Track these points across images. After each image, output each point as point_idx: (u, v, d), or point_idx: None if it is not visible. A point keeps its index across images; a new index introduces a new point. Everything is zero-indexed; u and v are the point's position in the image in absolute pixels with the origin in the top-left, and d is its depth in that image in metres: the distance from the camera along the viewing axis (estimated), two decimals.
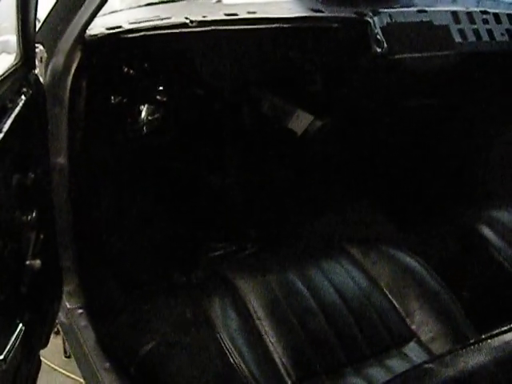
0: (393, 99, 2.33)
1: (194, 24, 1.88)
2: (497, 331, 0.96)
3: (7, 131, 1.32)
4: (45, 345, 1.82)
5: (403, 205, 2.30)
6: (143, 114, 2.21)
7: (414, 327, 1.78)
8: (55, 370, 2.50)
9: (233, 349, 1.60)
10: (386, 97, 2.29)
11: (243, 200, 2.32)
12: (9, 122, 1.35)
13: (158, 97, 2.17)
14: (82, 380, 2.54)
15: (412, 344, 1.75)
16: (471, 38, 2.31)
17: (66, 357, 2.53)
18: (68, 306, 1.98)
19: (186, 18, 1.88)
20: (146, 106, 2.20)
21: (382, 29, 2.10)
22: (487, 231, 2.12)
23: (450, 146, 2.56)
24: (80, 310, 1.96)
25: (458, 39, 2.28)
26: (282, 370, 1.59)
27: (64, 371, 2.52)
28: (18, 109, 1.41)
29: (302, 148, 2.22)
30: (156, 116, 2.22)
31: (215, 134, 2.24)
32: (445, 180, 2.43)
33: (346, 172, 2.33)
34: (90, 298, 1.98)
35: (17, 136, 1.40)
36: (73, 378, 2.49)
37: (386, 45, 2.09)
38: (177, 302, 1.79)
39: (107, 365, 1.80)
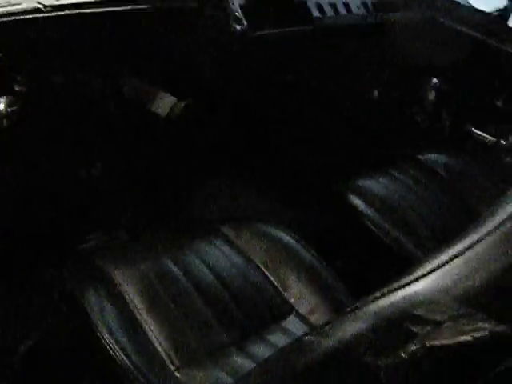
0: (256, 76, 2.33)
1: (48, 9, 1.80)
2: (371, 297, 0.97)
3: None
4: None
5: (275, 181, 2.31)
6: (1, 106, 2.11)
7: (292, 301, 1.79)
8: None
9: (113, 343, 1.54)
10: (248, 74, 2.29)
11: (112, 189, 2.26)
12: None
13: (17, 87, 2.07)
14: None
15: (291, 317, 1.76)
16: (329, 12, 2.35)
17: None
18: None
19: (39, 3, 1.80)
20: (4, 97, 2.09)
21: (240, 6, 2.10)
22: (356, 200, 2.18)
23: (314, 120, 2.60)
24: None
25: (316, 14, 2.31)
26: (165, 358, 1.56)
27: None
28: None
29: (167, 131, 2.19)
30: (15, 108, 2.12)
31: (79, 123, 2.17)
32: (313, 153, 2.47)
33: (217, 151, 2.32)
34: None
35: None
36: None
37: (245, 22, 2.09)
38: (51, 295, 1.72)
39: None
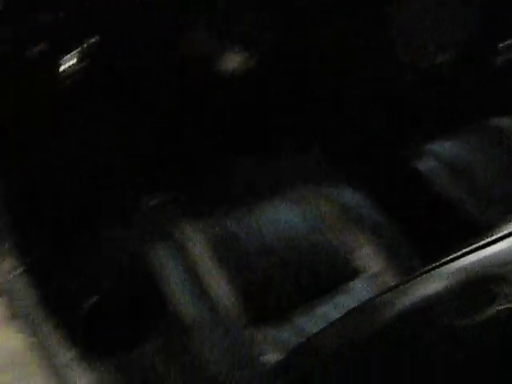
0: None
1: None
2: (446, 259, 0.95)
3: None
4: None
5: (340, 142, 2.28)
6: (69, 62, 2.10)
7: (359, 263, 1.78)
8: None
9: (181, 300, 1.57)
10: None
11: (176, 148, 2.26)
12: None
13: (86, 45, 2.06)
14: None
15: (359, 280, 1.75)
16: None
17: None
18: (5, 267, 1.92)
19: None
20: (73, 53, 2.08)
21: None
22: (424, 163, 2.14)
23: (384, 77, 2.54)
24: (18, 270, 1.90)
25: None
26: (233, 315, 1.58)
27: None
28: None
29: (232, 89, 2.17)
30: (83, 65, 2.12)
31: (146, 85, 2.16)
32: (380, 113, 2.42)
33: (282, 113, 2.29)
34: (28, 257, 1.92)
35: None
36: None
37: None
38: (116, 253, 1.75)
39: (51, 324, 1.75)
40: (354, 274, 1.76)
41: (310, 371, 1.05)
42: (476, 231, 1.01)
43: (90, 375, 1.65)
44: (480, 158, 2.23)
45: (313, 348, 1.11)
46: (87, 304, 1.68)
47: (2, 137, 1.86)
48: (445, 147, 2.22)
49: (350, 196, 1.91)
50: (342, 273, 1.75)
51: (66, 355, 1.69)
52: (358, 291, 1.71)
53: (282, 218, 1.83)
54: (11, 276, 1.89)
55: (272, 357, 1.54)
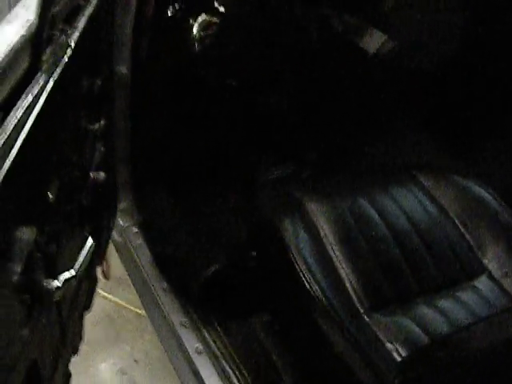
0: None
1: None
2: None
3: (81, 30, 1.23)
4: (100, 262, 1.77)
5: (472, 134, 2.18)
6: (196, 29, 2.07)
7: (485, 261, 1.70)
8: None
9: (307, 272, 1.53)
10: None
11: (302, 121, 2.22)
12: (83, 20, 1.25)
13: (217, 5, 2.02)
14: (120, 301, 2.54)
15: (483, 278, 1.67)
16: None
17: (105, 278, 2.49)
18: (122, 224, 1.92)
19: None
20: (201, 17, 2.06)
21: None
22: None
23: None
24: (135, 229, 1.90)
25: None
26: (354, 298, 1.53)
27: (104, 293, 2.49)
28: (90, 9, 1.32)
29: (370, 68, 2.11)
30: (210, 32, 2.09)
31: (278, 50, 2.12)
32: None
33: (415, 96, 2.21)
34: (145, 216, 1.92)
35: (88, 38, 1.31)
36: (111, 300, 2.47)
37: None
38: (239, 221, 1.72)
39: (165, 285, 1.75)
40: (480, 271, 1.69)
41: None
42: None
43: (201, 338, 1.64)
44: None
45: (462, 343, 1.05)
46: (206, 272, 1.66)
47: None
48: None
49: (482, 189, 1.83)
50: (467, 269, 1.68)
51: (178, 316, 1.68)
52: (483, 290, 1.64)
53: (414, 201, 1.76)
54: (127, 234, 1.90)
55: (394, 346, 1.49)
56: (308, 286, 1.51)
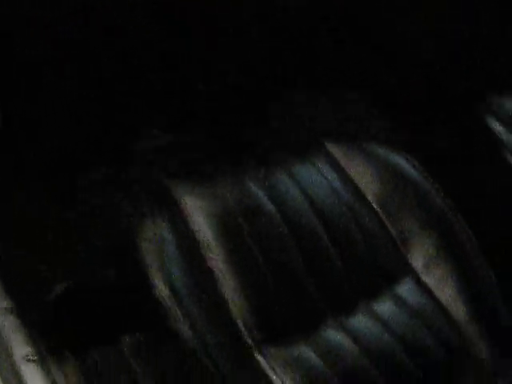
0: None
1: None
2: None
3: None
4: None
5: (395, 96, 1.79)
6: None
7: (411, 258, 1.33)
8: None
9: (171, 297, 1.12)
10: None
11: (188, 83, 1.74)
12: None
13: None
14: None
15: (408, 282, 1.30)
16: None
17: None
18: None
19: None
20: None
21: None
22: (495, 124, 1.68)
23: None
24: None
25: None
26: (242, 328, 1.14)
27: None
28: None
29: (279, 26, 1.66)
30: None
31: None
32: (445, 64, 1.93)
33: (335, 52, 1.78)
34: None
35: None
36: None
37: None
38: (101, 228, 1.29)
39: (5, 304, 1.33)
40: (403, 274, 1.32)
41: None
42: None
43: (51, 376, 1.23)
44: None
45: None
46: (58, 288, 1.23)
47: None
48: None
49: (404, 161, 1.44)
50: (388, 273, 1.31)
51: (23, 349, 1.26)
52: (405, 299, 1.28)
53: (321, 182, 1.36)
54: None
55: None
56: (171, 314, 1.11)
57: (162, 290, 1.13)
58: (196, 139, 1.52)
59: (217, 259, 1.18)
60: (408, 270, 1.32)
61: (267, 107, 1.61)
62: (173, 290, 1.14)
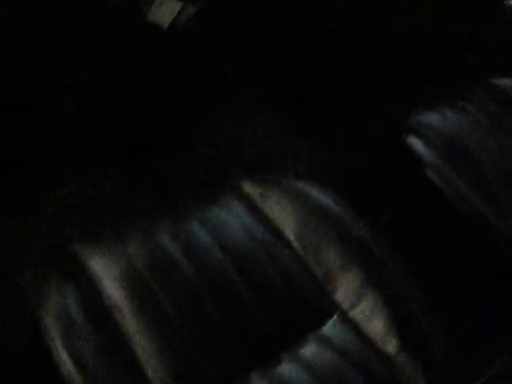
0: None
1: None
2: None
3: None
4: None
5: (315, 116, 1.76)
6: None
7: (336, 296, 1.29)
8: None
9: (77, 367, 1.06)
10: None
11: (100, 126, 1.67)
12: None
13: None
14: None
15: (335, 322, 1.26)
16: None
17: None
18: None
19: None
20: None
21: None
22: (414, 140, 1.65)
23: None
24: None
25: None
26: None
27: None
28: None
29: (170, 45, 1.61)
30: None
31: None
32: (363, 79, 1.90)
33: (238, 72, 1.73)
34: None
35: None
36: None
37: None
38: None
39: None
40: (328, 313, 1.27)
41: None
42: None
43: None
44: (482, 133, 1.76)
45: None
46: None
47: None
48: (439, 119, 1.74)
49: (323, 194, 1.40)
50: (312, 314, 1.26)
51: None
52: (332, 340, 1.23)
53: (235, 227, 1.31)
54: None
55: None
56: None
57: (70, 369, 1.06)
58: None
59: (129, 321, 1.12)
60: (334, 308, 1.28)
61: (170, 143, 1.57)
62: (82, 367, 1.07)
